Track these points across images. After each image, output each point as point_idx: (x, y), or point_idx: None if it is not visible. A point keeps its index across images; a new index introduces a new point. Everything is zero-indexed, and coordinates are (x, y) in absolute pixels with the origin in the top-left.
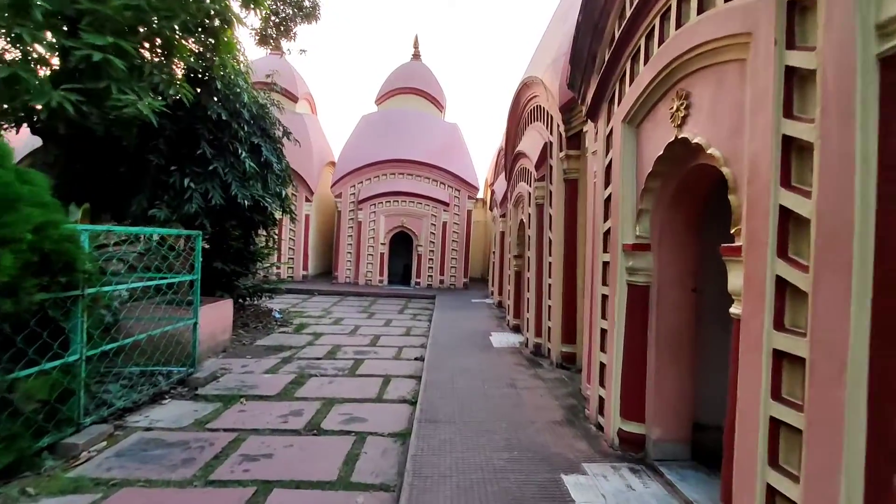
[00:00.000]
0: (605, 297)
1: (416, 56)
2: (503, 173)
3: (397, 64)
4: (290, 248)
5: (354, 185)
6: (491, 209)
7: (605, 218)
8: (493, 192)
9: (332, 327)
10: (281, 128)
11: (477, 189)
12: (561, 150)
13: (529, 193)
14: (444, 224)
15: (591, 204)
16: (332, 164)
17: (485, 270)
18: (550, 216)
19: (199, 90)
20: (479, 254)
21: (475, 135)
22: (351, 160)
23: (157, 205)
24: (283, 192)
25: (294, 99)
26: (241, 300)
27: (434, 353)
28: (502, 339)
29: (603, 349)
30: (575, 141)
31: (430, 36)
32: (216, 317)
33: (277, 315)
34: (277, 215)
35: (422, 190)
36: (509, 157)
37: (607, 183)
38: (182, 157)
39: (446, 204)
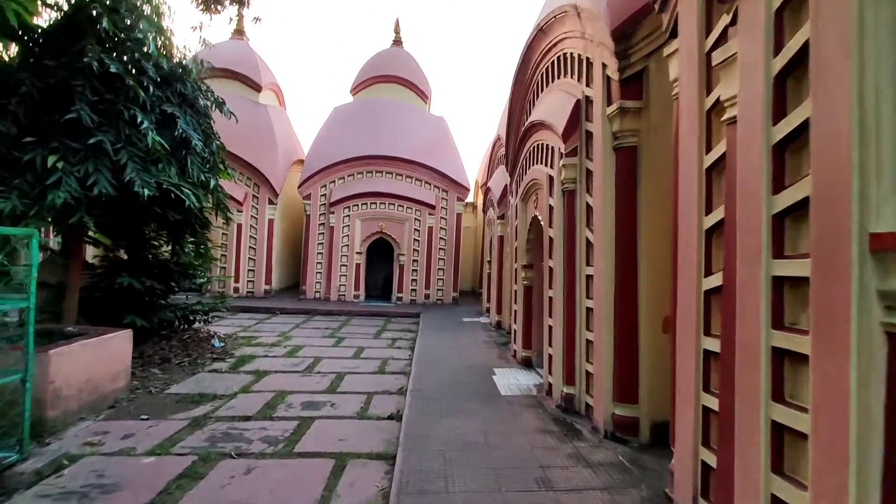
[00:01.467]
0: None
1: (398, 42)
2: (501, 167)
3: (377, 51)
4: (250, 257)
5: (325, 185)
6: (485, 211)
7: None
8: (487, 191)
9: (284, 361)
10: (211, 97)
11: (467, 189)
12: (610, 104)
13: (550, 178)
14: (430, 229)
15: (685, 174)
16: (302, 162)
17: (476, 283)
18: (589, 206)
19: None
20: (470, 264)
21: (463, 136)
22: (321, 156)
23: (0, 192)
24: (212, 183)
25: (257, 88)
26: (166, 326)
27: (416, 407)
28: (510, 379)
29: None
30: (634, 86)
31: (413, 25)
32: (98, 359)
33: (217, 344)
34: (216, 217)
35: (403, 191)
36: (513, 138)
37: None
38: (48, 125)
39: (432, 206)
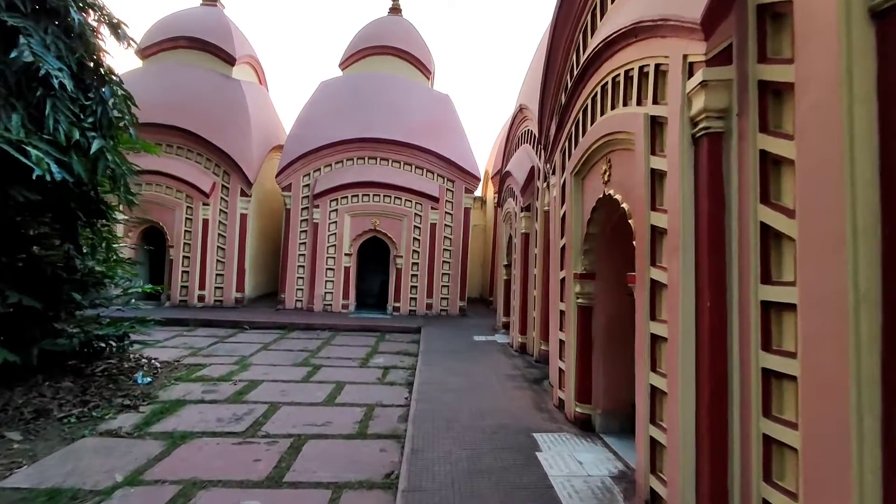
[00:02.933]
0: None
1: (396, 10)
2: (523, 147)
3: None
4: (218, 259)
5: (309, 174)
6: (500, 205)
7: None
8: (505, 178)
9: (223, 411)
10: (103, 17)
11: (477, 179)
12: None
13: (656, 121)
14: (433, 226)
15: None
16: (283, 148)
17: (485, 290)
18: (773, 157)
19: None
20: (478, 268)
21: (469, 124)
22: (304, 140)
23: None
24: (96, 146)
25: (229, 60)
26: (74, 355)
27: None
28: (567, 462)
29: None
30: None
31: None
32: None
33: (141, 380)
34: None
35: (401, 180)
36: (554, 88)
37: None
38: None
39: (435, 199)
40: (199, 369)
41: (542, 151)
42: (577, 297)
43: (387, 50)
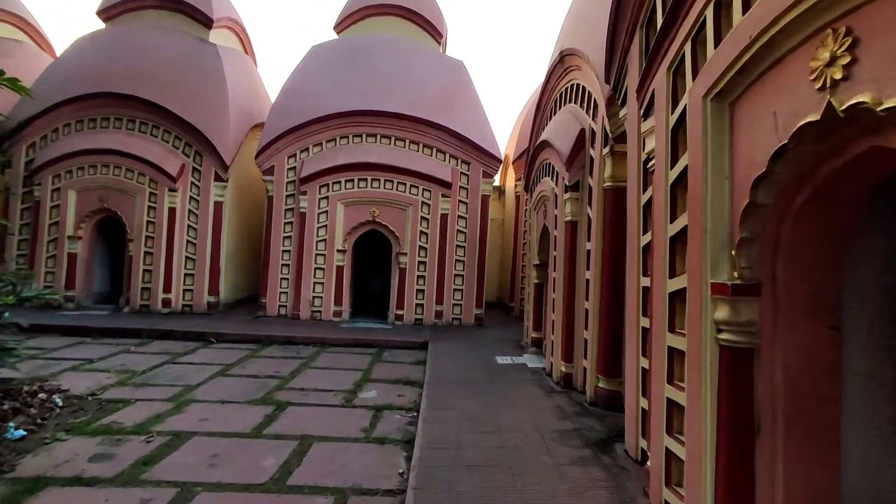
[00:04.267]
0: None
1: None
2: (567, 108)
3: None
4: (188, 256)
5: (295, 155)
6: (527, 190)
7: None
8: (534, 156)
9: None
10: None
11: (498, 161)
12: None
13: None
14: (444, 218)
15: None
16: None
17: (504, 293)
18: None
19: None
20: (496, 267)
21: (486, 102)
22: (289, 113)
23: None
24: None
25: (206, 22)
26: None
27: None
28: None
29: None
30: None
31: None
32: None
33: (11, 433)
34: None
35: (406, 162)
36: None
37: None
38: None
39: (447, 185)
40: (115, 410)
41: (610, 95)
42: (721, 331)
43: (390, 9)
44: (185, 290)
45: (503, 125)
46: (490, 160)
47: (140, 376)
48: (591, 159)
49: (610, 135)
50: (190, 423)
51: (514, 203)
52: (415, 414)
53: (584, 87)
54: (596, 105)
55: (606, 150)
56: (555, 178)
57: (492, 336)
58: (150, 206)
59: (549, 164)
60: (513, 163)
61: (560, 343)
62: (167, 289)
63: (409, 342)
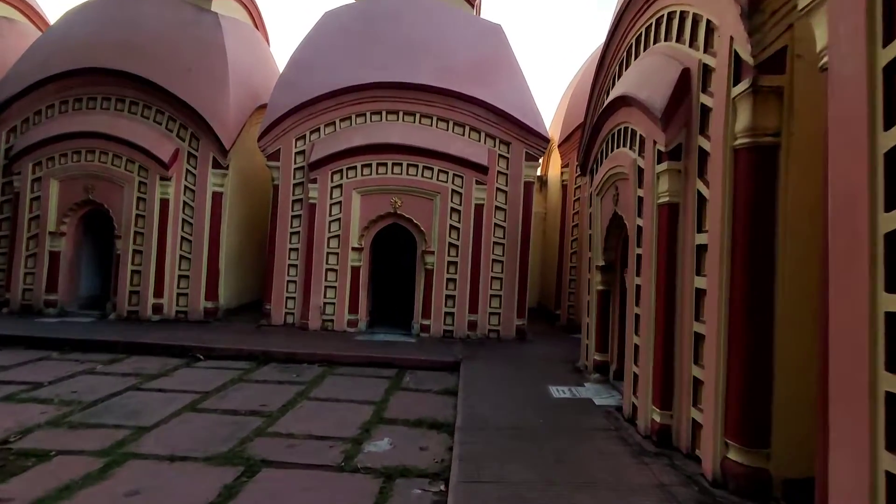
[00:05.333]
0: None
1: None
2: (660, 46)
3: None
4: (182, 255)
5: (304, 137)
6: (585, 172)
7: None
8: (601, 119)
9: None
10: None
11: (544, 140)
12: None
13: None
14: (479, 209)
15: None
16: None
17: (545, 297)
18: None
19: None
20: (535, 266)
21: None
22: (297, 88)
23: None
24: None
25: None
26: None
27: None
28: None
29: None
30: None
31: None
32: None
33: None
34: None
35: (434, 142)
36: None
37: None
38: None
39: (483, 169)
40: (16, 473)
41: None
42: None
43: None
44: (179, 295)
45: (544, 106)
46: (535, 139)
47: (85, 411)
48: (704, 111)
49: (751, 61)
50: (111, 499)
51: (560, 194)
52: (442, 488)
53: (684, 12)
54: (710, 30)
55: (743, 87)
56: (638, 147)
57: (538, 354)
58: (139, 198)
59: (627, 128)
60: (558, 147)
61: (651, 379)
62: (158, 293)
63: (437, 362)
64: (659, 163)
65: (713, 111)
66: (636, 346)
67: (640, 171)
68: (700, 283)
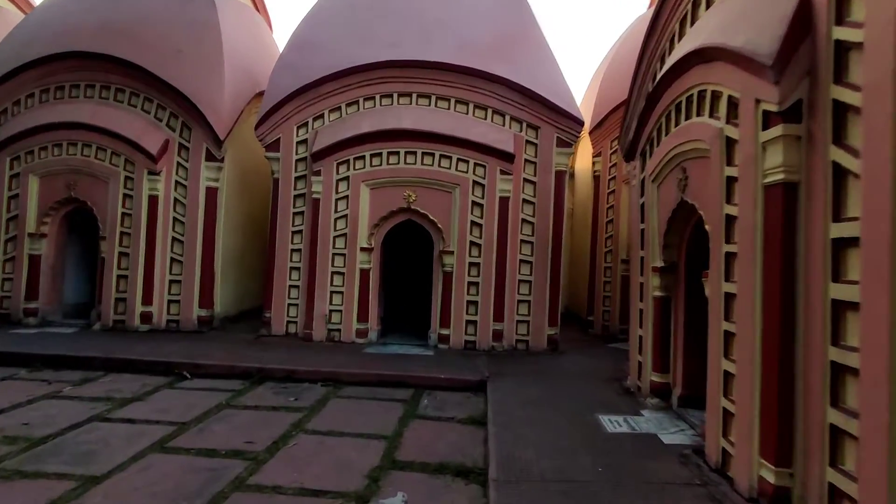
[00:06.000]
0: None
1: None
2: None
3: None
4: (173, 258)
5: (306, 124)
6: (634, 156)
7: None
8: (653, 98)
9: None
10: None
11: (578, 122)
12: None
13: None
14: (504, 202)
15: None
16: None
17: (574, 301)
18: None
19: None
20: (564, 267)
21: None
22: (298, 69)
23: None
24: None
25: None
26: None
27: None
28: None
29: None
30: None
31: None
32: None
33: None
34: None
35: (452, 127)
36: None
37: None
38: None
39: (508, 157)
40: None
41: None
42: None
43: None
44: (170, 302)
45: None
46: (568, 122)
47: (29, 452)
48: (841, 49)
49: None
50: None
51: (592, 186)
52: None
53: None
54: None
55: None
56: (725, 113)
57: (575, 369)
58: (125, 195)
59: (705, 91)
60: (589, 133)
61: (759, 422)
62: (147, 300)
63: (459, 381)
64: (766, 128)
65: (867, 44)
66: (726, 374)
67: (730, 143)
68: (841, 292)
